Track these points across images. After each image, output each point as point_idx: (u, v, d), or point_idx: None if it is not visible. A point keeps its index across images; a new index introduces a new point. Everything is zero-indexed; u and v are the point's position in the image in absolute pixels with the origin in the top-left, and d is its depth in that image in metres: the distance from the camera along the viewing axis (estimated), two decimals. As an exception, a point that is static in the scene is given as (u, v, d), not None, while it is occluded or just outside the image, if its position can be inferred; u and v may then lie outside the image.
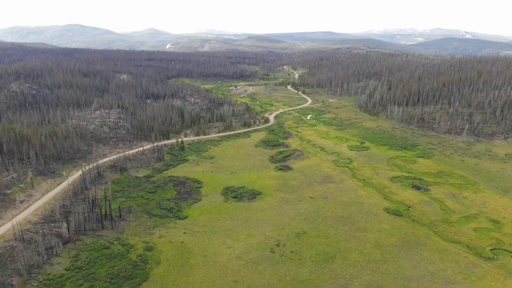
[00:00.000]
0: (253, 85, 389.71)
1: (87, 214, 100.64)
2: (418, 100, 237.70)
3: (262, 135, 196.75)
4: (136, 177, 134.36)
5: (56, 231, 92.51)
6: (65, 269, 77.95)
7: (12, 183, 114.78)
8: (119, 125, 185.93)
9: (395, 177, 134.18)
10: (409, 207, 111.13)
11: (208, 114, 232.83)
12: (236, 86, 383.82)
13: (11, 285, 71.56)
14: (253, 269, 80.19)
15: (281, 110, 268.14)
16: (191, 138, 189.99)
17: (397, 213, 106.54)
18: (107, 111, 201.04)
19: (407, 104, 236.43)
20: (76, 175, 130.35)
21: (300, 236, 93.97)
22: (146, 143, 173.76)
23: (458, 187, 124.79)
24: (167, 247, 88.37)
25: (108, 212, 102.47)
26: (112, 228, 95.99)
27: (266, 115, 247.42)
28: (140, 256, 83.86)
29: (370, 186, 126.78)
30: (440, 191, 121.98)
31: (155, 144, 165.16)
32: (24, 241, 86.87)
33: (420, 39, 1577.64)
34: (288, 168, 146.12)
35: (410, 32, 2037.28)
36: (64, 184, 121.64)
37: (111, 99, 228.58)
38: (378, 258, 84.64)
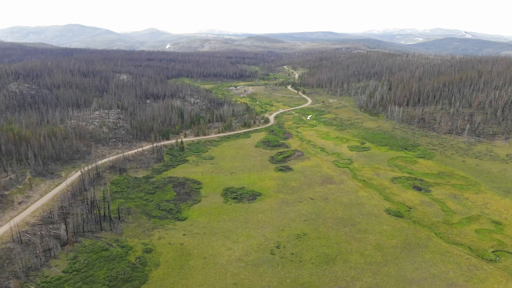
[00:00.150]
0: (253, 85, 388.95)
1: (86, 216, 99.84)
2: (419, 100, 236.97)
3: (262, 136, 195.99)
4: (135, 178, 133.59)
5: (54, 232, 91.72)
6: (63, 272, 77.14)
7: (10, 184, 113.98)
8: (118, 125, 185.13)
9: (395, 178, 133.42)
10: (410, 208, 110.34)
11: (208, 115, 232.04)
12: (236, 86, 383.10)
13: (8, 288, 70.83)
14: (253, 271, 79.40)
15: (281, 110, 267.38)
16: (190, 138, 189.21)
17: (398, 215, 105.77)
18: (106, 111, 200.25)
19: (407, 104, 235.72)
20: (75, 176, 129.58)
21: (301, 237, 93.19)
22: (146, 143, 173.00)
23: (459, 188, 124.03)
24: (166, 249, 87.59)
25: (107, 214, 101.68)
26: (111, 229, 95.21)
27: (266, 115, 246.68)
28: (139, 258, 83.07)
29: (371, 187, 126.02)
30: (441, 192, 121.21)
31: (155, 145, 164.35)
32: (22, 243, 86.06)
33: (420, 39, 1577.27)
34: (288, 168, 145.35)
35: (410, 32, 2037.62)
36: (62, 185, 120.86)
37: (111, 99, 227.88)
38: (379, 260, 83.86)
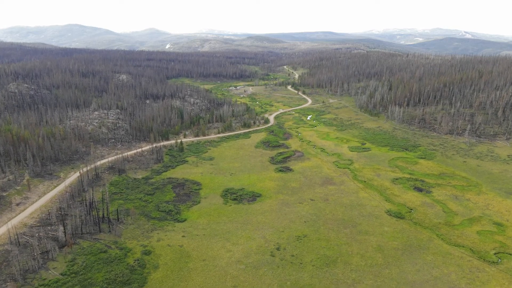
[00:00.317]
0: (253, 85, 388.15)
1: (84, 217, 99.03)
2: (419, 100, 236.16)
3: (262, 136, 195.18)
4: (135, 178, 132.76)
5: (52, 234, 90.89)
6: (61, 274, 76.32)
7: (8, 185, 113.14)
8: (117, 126, 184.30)
9: (396, 179, 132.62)
10: (411, 209, 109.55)
11: (208, 115, 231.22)
12: (236, 86, 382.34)
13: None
14: (253, 274, 78.61)
15: (281, 111, 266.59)
16: (190, 139, 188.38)
17: (399, 216, 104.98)
18: (105, 111, 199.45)
19: (408, 105, 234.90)
20: (73, 176, 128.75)
21: (301, 239, 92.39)
22: (145, 144, 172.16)
23: (461, 189, 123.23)
24: (166, 251, 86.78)
25: (105, 215, 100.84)
26: (110, 231, 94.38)
27: (266, 115, 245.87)
28: (138, 260, 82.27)
29: (371, 188, 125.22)
30: (443, 193, 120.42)
31: (154, 145, 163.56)
32: (19, 245, 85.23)
33: (420, 39, 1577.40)
34: (289, 169, 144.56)
35: (410, 32, 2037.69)
36: (61, 186, 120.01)
37: (110, 99, 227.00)
38: (380, 262, 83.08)
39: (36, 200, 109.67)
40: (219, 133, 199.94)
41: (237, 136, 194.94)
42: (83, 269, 78.24)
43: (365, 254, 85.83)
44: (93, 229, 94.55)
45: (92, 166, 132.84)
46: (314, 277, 77.46)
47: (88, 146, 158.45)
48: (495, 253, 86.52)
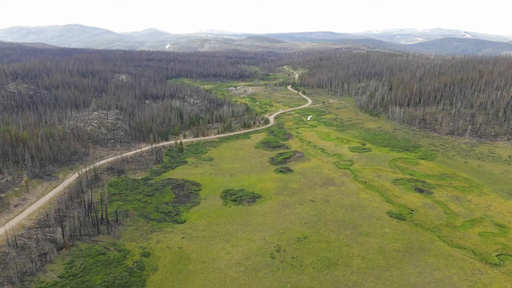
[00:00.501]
0: (253, 86, 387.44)
1: (83, 219, 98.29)
2: (420, 100, 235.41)
3: (262, 136, 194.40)
4: (134, 179, 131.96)
5: (50, 236, 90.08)
6: (59, 277, 75.52)
7: (6, 187, 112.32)
8: (117, 126, 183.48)
9: (397, 180, 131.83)
10: (412, 210, 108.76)
11: (208, 115, 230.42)
12: (235, 87, 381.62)
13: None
14: (253, 276, 77.83)
15: (281, 111, 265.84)
16: (190, 139, 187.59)
17: (400, 217, 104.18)
18: (105, 112, 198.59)
19: (408, 105, 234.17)
20: (72, 177, 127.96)
21: (301, 241, 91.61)
22: (144, 144, 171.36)
23: (462, 190, 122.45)
24: (165, 253, 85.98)
25: (104, 216, 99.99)
26: (109, 233, 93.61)
27: (266, 115, 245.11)
28: (137, 262, 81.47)
29: (372, 189, 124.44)
30: (444, 194, 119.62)
31: (154, 146, 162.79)
32: (17, 247, 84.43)
33: (420, 39, 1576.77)
34: (289, 170, 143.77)
35: (410, 32, 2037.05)
36: (60, 187, 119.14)
37: (110, 99, 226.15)
38: (382, 264, 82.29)
39: (35, 202, 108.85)
40: (219, 133, 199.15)
41: (237, 137, 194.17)
42: (82, 271, 77.42)
43: (366, 256, 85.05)
44: (92, 231, 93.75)
45: (91, 167, 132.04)
46: (315, 280, 76.69)
47: (87, 146, 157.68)
48: (497, 255, 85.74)
